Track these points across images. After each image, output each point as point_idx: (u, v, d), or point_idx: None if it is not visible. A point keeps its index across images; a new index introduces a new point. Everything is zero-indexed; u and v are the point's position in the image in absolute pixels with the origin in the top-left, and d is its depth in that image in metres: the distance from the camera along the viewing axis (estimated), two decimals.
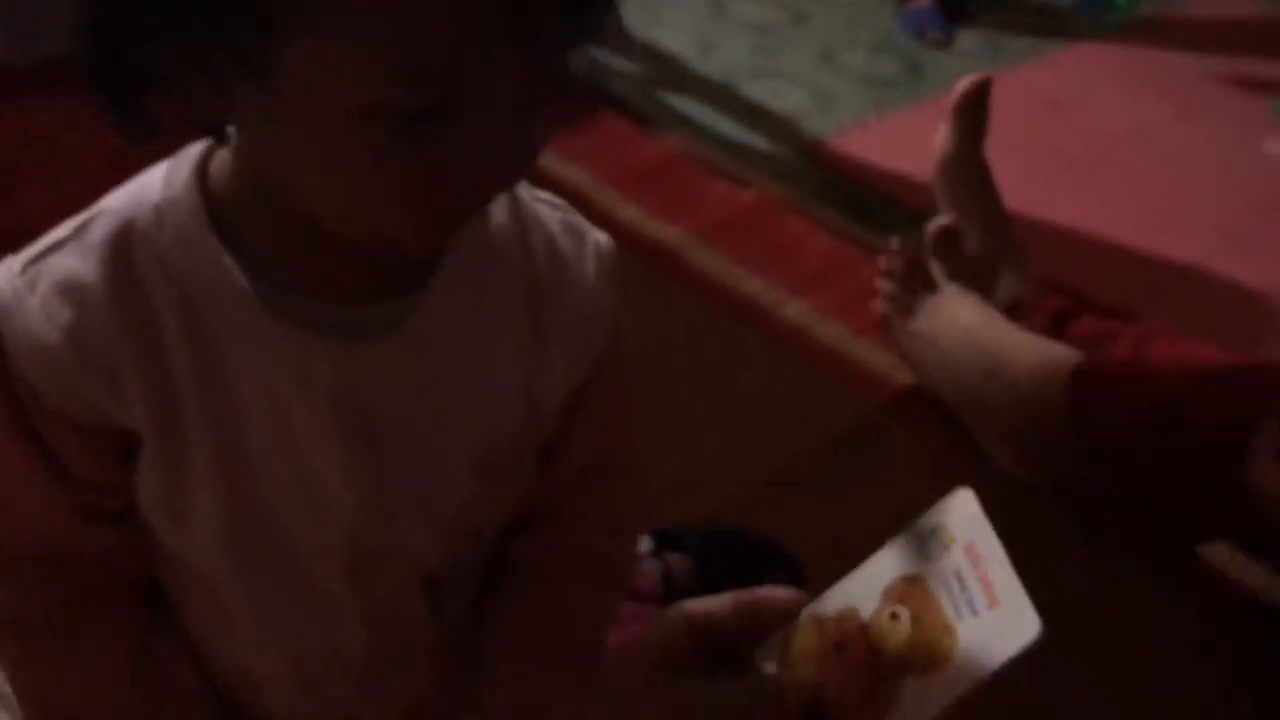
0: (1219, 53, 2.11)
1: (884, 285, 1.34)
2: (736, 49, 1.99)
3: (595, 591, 0.74)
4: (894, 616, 0.61)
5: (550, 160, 1.52)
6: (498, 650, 0.72)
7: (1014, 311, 1.32)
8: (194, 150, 0.61)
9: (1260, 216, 1.75)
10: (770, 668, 0.63)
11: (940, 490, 1.23)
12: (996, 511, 0.61)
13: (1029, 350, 1.23)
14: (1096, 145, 1.88)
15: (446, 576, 0.71)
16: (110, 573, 0.67)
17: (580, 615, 0.74)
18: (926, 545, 0.62)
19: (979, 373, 1.24)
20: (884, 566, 0.63)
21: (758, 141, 1.74)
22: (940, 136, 1.37)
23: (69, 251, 0.60)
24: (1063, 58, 2.10)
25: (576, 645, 0.74)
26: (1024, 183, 1.43)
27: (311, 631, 0.70)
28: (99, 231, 0.60)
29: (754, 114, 1.81)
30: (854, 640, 0.61)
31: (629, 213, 1.52)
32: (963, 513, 0.62)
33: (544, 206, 0.68)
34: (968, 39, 2.12)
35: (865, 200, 1.64)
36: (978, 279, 1.32)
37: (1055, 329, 1.28)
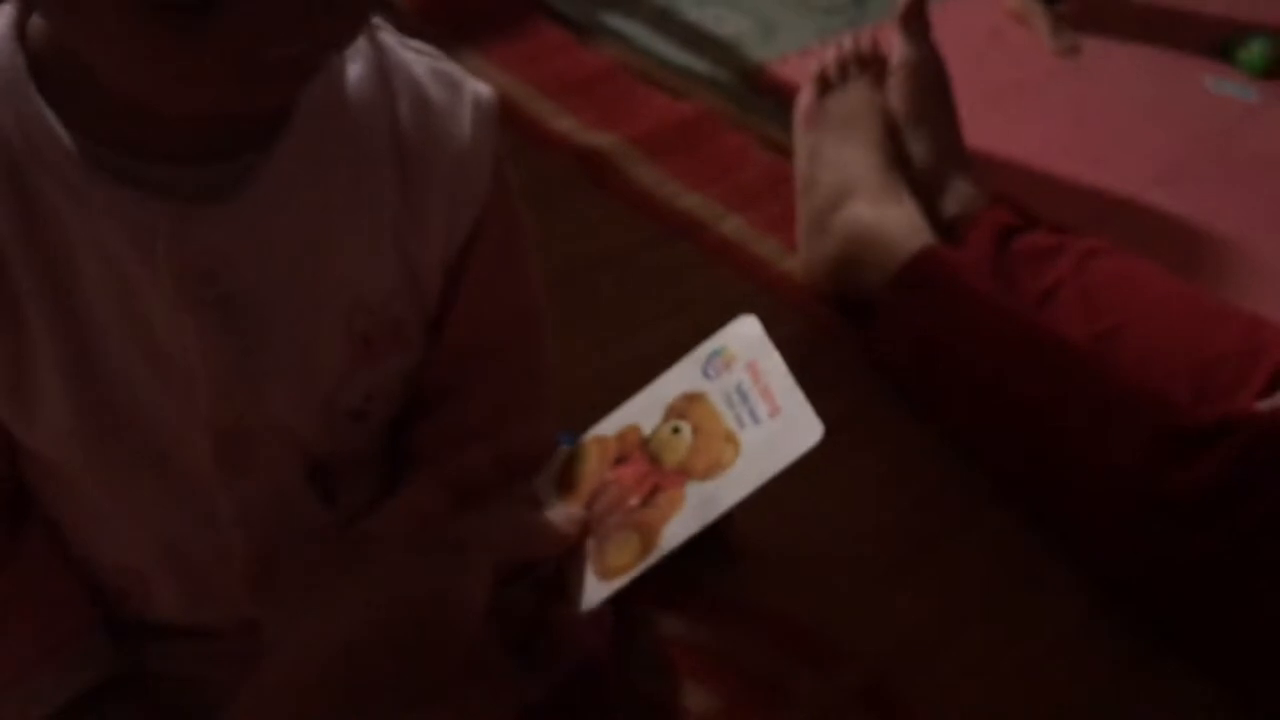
0: None
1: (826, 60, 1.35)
2: None
3: (501, 480, 0.69)
4: (675, 431, 0.62)
5: (481, 65, 1.48)
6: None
7: (959, 222, 1.31)
8: (11, 6, 0.56)
9: (1197, 150, 1.75)
10: (549, 494, 0.63)
11: (875, 399, 1.23)
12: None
13: (896, 212, 1.24)
14: (1037, 73, 1.86)
15: (335, 465, 0.67)
16: None
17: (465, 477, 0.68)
18: (708, 365, 0.63)
19: (834, 189, 1.27)
20: (666, 388, 0.64)
21: (698, 64, 1.70)
22: (897, 45, 1.35)
23: None
24: None
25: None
26: (963, 110, 1.41)
27: (184, 523, 0.65)
28: None
29: (696, 38, 1.77)
30: (634, 453, 0.62)
31: (564, 123, 1.47)
32: (745, 334, 0.63)
33: (411, 53, 0.64)
34: None
35: None
36: (923, 193, 1.31)
37: (1000, 243, 1.27)
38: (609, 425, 0.64)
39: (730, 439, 0.60)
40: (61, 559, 0.68)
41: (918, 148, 1.32)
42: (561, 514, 0.61)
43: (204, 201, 0.57)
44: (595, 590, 0.59)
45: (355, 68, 0.61)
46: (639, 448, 0.62)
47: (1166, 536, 1.03)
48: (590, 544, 0.61)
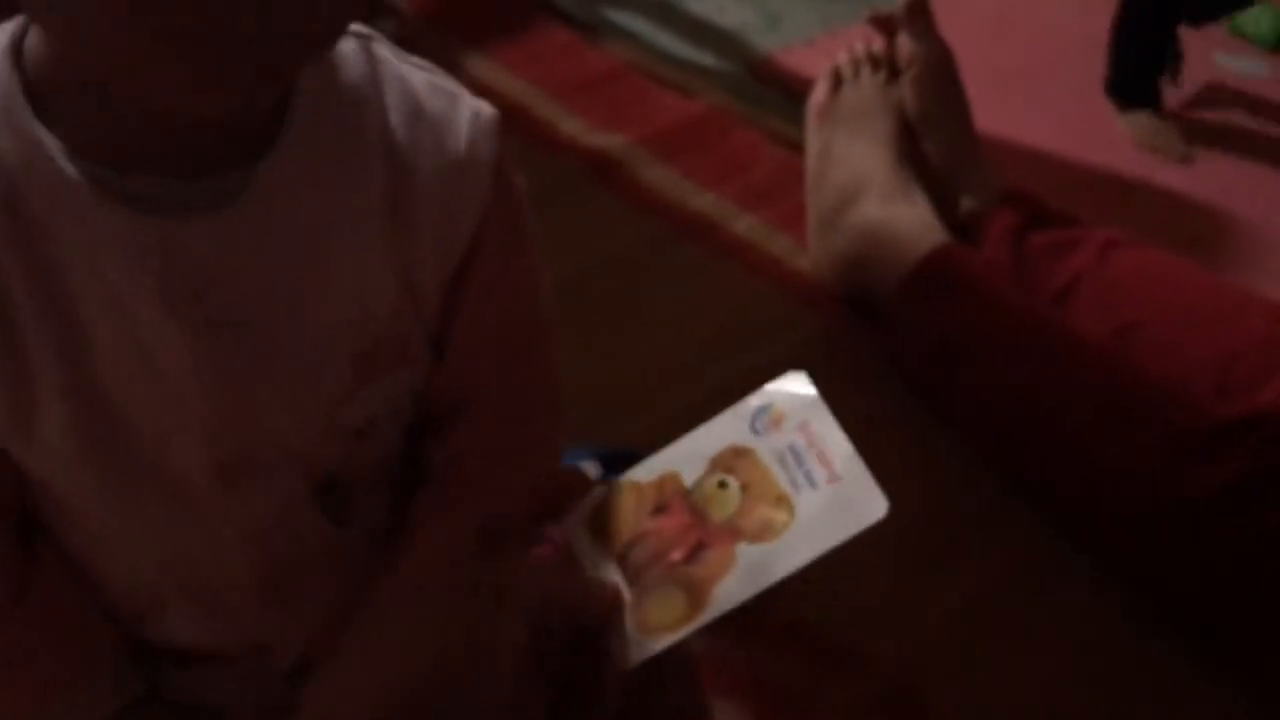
0: None
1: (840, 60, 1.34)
2: None
3: (507, 489, 0.68)
4: (722, 485, 0.59)
5: (487, 69, 1.46)
6: (404, 560, 0.67)
7: (973, 219, 1.29)
8: (8, 28, 0.56)
9: (1210, 130, 1.73)
10: (580, 537, 0.60)
11: (892, 399, 1.21)
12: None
13: (908, 211, 1.22)
14: (1046, 57, 1.84)
15: (344, 484, 0.66)
16: None
17: (492, 520, 0.68)
18: (755, 420, 0.61)
19: (844, 186, 1.26)
20: (708, 439, 0.61)
21: (703, 58, 1.69)
22: (902, 42, 1.33)
23: None
24: None
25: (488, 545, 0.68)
26: (978, 100, 1.39)
27: (190, 542, 0.65)
28: None
29: (700, 30, 1.75)
30: (674, 502, 0.59)
31: (572, 125, 1.46)
32: (796, 393, 0.61)
33: (408, 67, 0.63)
34: None
35: None
36: (939, 190, 1.30)
37: (1015, 239, 1.26)
38: (645, 471, 0.62)
39: (783, 501, 0.58)
40: (77, 585, 0.68)
41: (931, 145, 1.31)
42: (597, 582, 0.60)
43: (194, 216, 0.57)
44: (640, 648, 0.58)
45: (348, 79, 0.60)
46: (680, 498, 0.60)
47: (1191, 535, 1.02)
48: (628, 595, 0.59)
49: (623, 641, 0.58)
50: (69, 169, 0.55)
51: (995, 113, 1.51)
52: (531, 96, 1.47)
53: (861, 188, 1.27)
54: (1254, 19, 1.90)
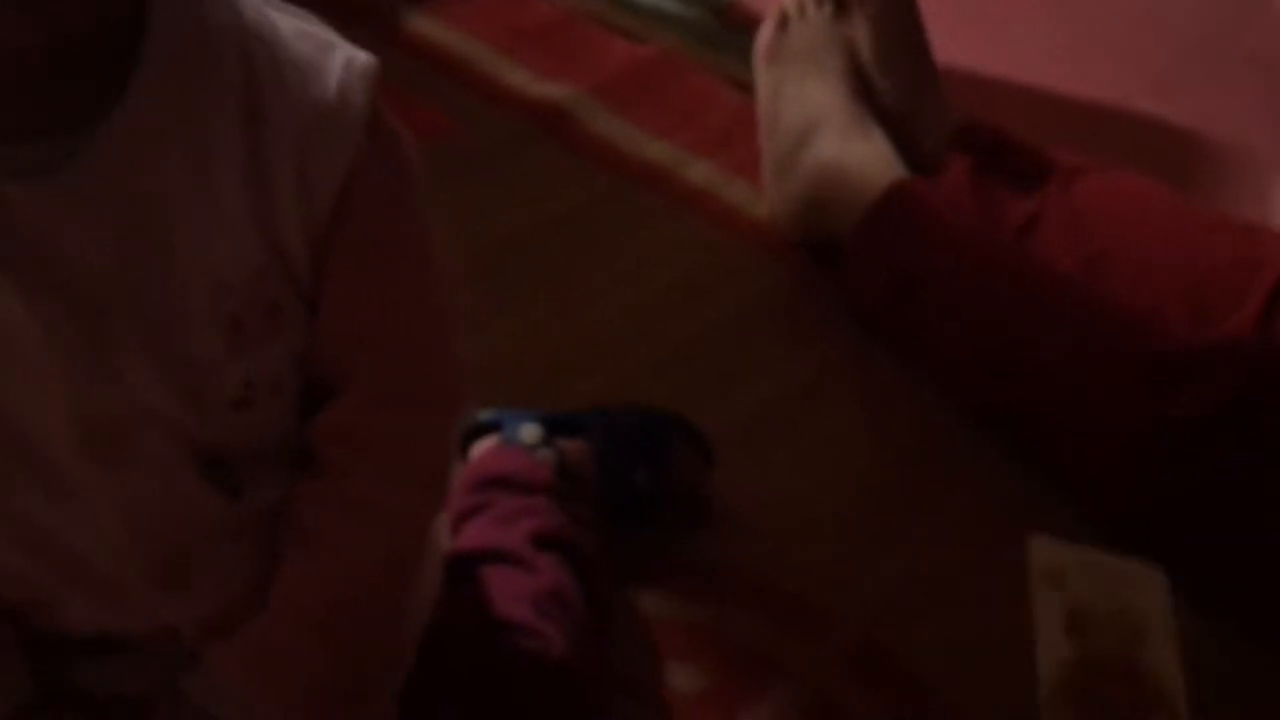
0: None
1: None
2: None
3: (391, 480, 0.66)
4: None
5: (427, 24, 1.41)
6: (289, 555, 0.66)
7: (935, 155, 1.24)
8: None
9: (1190, 55, 1.68)
10: None
11: (852, 348, 1.18)
12: None
13: (864, 148, 1.19)
14: None
15: (235, 457, 0.63)
16: None
17: (370, 532, 0.66)
18: None
19: (798, 127, 1.22)
20: None
21: (668, 5, 1.64)
22: None
23: None
24: None
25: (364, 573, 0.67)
26: (941, 31, 1.35)
27: (73, 526, 0.62)
28: None
29: None
30: None
31: (517, 76, 1.41)
32: None
33: (278, 13, 0.60)
34: None
35: None
36: (897, 131, 1.25)
37: (978, 172, 1.21)
38: None
39: None
40: None
41: (889, 84, 1.26)
42: None
43: (33, 180, 0.54)
44: None
45: (208, 25, 0.58)
46: None
47: (1163, 467, 0.99)
48: None
49: None
50: None
51: (968, 42, 1.47)
52: (475, 49, 1.40)
53: (815, 127, 1.23)
54: None
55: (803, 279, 1.24)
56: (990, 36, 1.64)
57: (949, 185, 1.19)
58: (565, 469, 0.96)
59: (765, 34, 1.29)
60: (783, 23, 1.28)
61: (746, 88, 1.40)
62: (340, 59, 0.60)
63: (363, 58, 0.61)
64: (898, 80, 1.27)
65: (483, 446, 0.99)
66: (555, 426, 0.98)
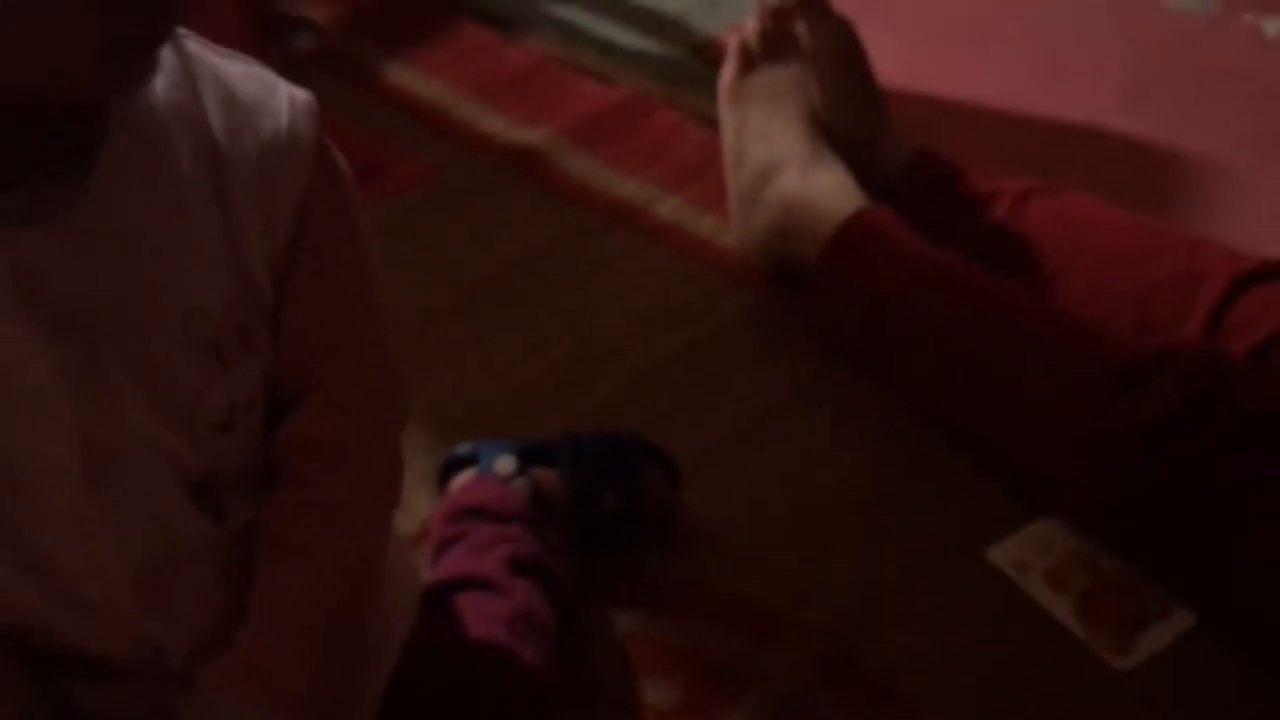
0: None
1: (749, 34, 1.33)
2: None
3: (355, 491, 0.71)
4: None
5: (405, 75, 1.46)
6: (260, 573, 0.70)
7: (889, 185, 1.28)
8: None
9: (1157, 70, 1.71)
10: None
11: (821, 372, 1.22)
12: None
13: (825, 178, 1.22)
14: (986, 6, 1.82)
15: (216, 480, 0.68)
16: None
17: (330, 540, 0.70)
18: None
19: (763, 163, 1.26)
20: None
21: (647, 45, 1.68)
22: (802, 32, 1.32)
23: None
24: None
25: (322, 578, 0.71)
26: (911, 55, 1.38)
27: (59, 547, 0.66)
28: None
29: (642, 19, 1.75)
30: None
31: (494, 123, 1.46)
32: None
33: (221, 59, 0.65)
34: None
35: None
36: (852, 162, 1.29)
37: (931, 197, 1.25)
38: None
39: None
40: None
41: (840, 127, 1.30)
42: None
43: (39, 223, 0.59)
44: None
45: (162, 77, 0.62)
46: None
47: (1115, 472, 1.02)
48: None
49: None
50: None
51: (939, 62, 1.48)
52: (451, 99, 1.46)
53: (778, 164, 1.26)
54: None
55: (770, 304, 1.28)
56: (966, 57, 1.67)
57: (905, 210, 1.23)
58: (539, 497, 1.00)
59: (727, 75, 1.33)
60: (745, 62, 1.32)
61: (712, 122, 1.45)
62: (284, 97, 0.66)
63: (302, 95, 0.66)
64: (849, 125, 1.30)
65: (462, 479, 1.03)
66: (530, 456, 1.02)
